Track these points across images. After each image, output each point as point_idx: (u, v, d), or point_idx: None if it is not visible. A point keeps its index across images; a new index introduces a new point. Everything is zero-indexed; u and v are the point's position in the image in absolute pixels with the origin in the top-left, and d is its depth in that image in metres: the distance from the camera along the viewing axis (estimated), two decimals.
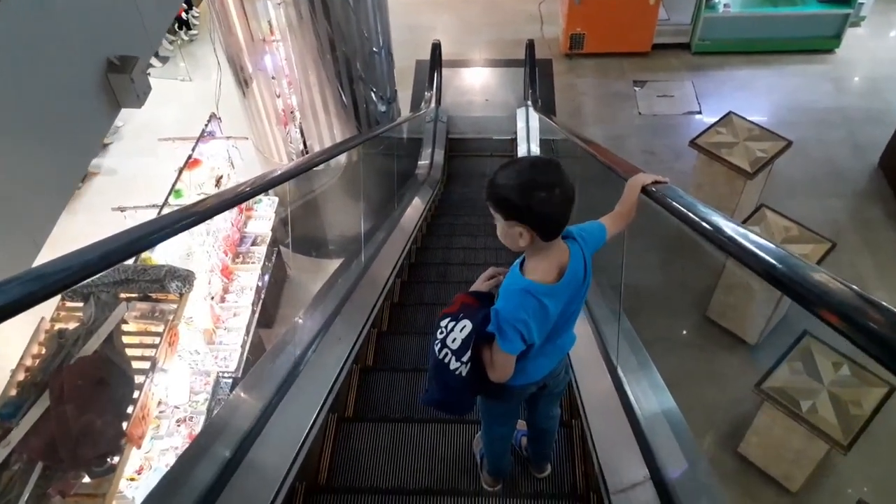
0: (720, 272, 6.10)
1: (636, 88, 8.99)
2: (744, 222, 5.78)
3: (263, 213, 5.98)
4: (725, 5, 9.01)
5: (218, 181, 5.34)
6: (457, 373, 1.72)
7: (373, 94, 6.21)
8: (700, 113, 8.56)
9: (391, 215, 5.12)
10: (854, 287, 0.96)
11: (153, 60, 9.67)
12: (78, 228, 6.50)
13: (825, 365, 4.64)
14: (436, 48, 7.81)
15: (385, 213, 5.58)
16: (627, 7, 8.78)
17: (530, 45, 8.34)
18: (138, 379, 3.78)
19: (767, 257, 1.22)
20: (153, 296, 4.13)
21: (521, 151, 7.33)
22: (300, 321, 2.99)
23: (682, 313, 6.28)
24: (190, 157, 5.06)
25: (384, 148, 6.54)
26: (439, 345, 1.74)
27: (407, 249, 4.60)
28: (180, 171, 4.98)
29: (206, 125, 5.31)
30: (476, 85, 9.35)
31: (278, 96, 5.87)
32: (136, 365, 3.88)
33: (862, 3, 9.02)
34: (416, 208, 5.66)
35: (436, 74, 7.99)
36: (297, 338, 2.80)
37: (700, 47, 9.26)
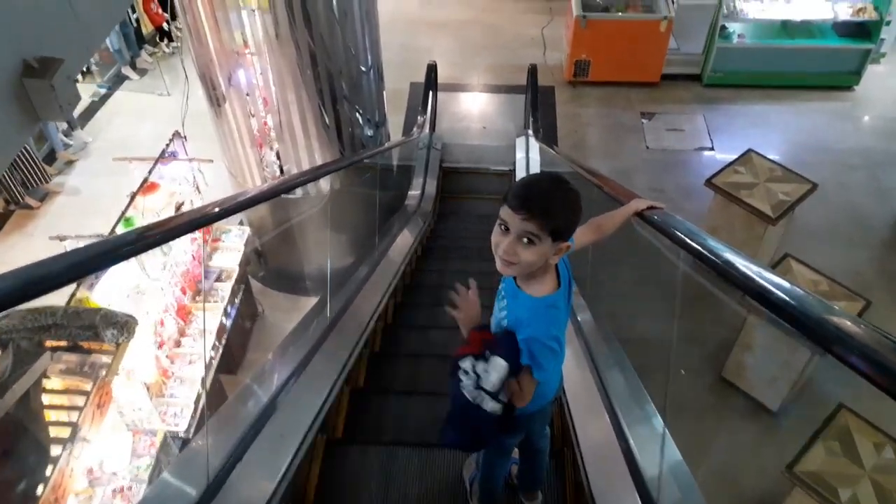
0: (737, 328, 5.54)
1: (644, 121, 8.48)
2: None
3: (231, 245, 5.38)
4: (739, 35, 8.56)
5: (178, 207, 4.74)
6: (492, 412, 1.62)
7: (359, 117, 5.64)
8: (712, 149, 8.05)
9: (371, 256, 4.51)
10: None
11: (130, 73, 9.13)
12: (25, 254, 5.88)
13: (866, 446, 4.04)
14: (431, 69, 7.28)
15: (370, 247, 4.99)
16: (636, 33, 8.30)
17: (532, 70, 7.83)
18: (54, 451, 3.15)
19: (779, 293, 1.15)
20: (84, 345, 3.51)
21: None
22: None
23: (694, 371, 5.68)
24: (146, 180, 4.45)
25: (371, 176, 5.97)
26: (471, 387, 1.61)
27: (384, 304, 3.97)
28: (133, 196, 4.38)
29: (168, 145, 4.72)
30: (473, 111, 8.82)
31: (252, 115, 5.29)
32: (55, 432, 3.26)
33: (883, 39, 8.57)
34: (399, 250, 5.06)
35: (430, 97, 7.44)
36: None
37: (712, 79, 8.78)
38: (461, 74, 9.26)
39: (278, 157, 5.64)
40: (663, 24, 8.19)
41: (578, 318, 3.31)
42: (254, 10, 4.66)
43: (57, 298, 3.86)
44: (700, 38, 8.67)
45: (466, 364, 1.62)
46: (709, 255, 1.55)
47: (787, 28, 8.58)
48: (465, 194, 7.32)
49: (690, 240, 1.79)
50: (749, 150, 6.28)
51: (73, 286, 3.84)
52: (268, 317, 6.22)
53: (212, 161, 4.82)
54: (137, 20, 9.07)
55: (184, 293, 4.75)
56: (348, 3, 4.99)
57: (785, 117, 8.50)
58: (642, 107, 8.63)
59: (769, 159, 6.17)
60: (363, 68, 5.62)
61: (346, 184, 5.81)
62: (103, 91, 8.94)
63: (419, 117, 6.90)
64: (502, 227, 1.54)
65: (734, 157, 7.10)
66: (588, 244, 1.98)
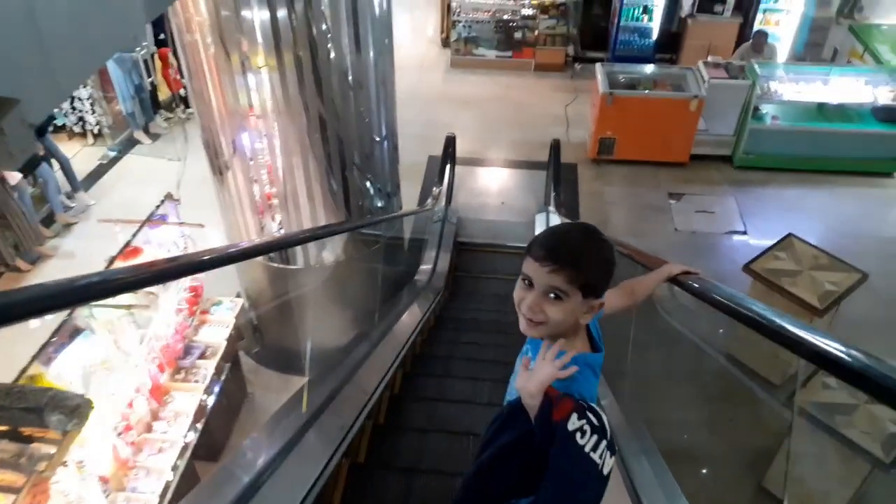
0: (779, 431, 4.94)
1: (671, 201, 8.08)
2: (813, 375, 4.67)
3: (221, 318, 4.94)
4: (774, 117, 8.23)
5: None
6: (609, 474, 1.31)
7: (369, 185, 5.28)
8: (745, 233, 7.58)
9: (369, 335, 4.04)
10: None
11: (142, 137, 8.98)
12: None
13: None
14: (450, 141, 6.99)
15: (370, 325, 4.53)
16: (665, 112, 8.01)
17: (555, 145, 7.51)
18: None
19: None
20: (25, 432, 3.04)
21: None
22: None
23: (732, 478, 5.04)
24: (127, 243, 4.07)
25: (379, 247, 5.58)
26: (598, 445, 1.28)
27: (377, 397, 3.46)
28: (111, 261, 3.98)
29: (158, 207, 4.36)
30: (492, 186, 8.49)
31: (255, 181, 4.94)
32: None
33: None
34: (403, 329, 4.58)
35: (447, 169, 7.11)
36: None
37: (743, 161, 8.41)
38: (481, 149, 9.00)
39: (280, 226, 5.27)
40: (693, 103, 7.90)
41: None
42: (260, 71, 4.38)
43: (7, 374, 3.42)
44: (729, 120, 8.36)
45: (575, 421, 1.29)
46: (755, 316, 1.56)
47: (823, 111, 8.25)
48: (480, 272, 6.87)
49: (732, 303, 1.82)
50: (789, 235, 5.81)
51: (25, 360, 3.39)
52: (258, 398, 5.70)
53: (202, 226, 4.45)
54: (154, 85, 8.99)
55: (161, 370, 4.28)
56: (363, 71, 4.71)
57: (822, 203, 8.05)
58: (670, 187, 8.25)
59: (812, 245, 5.69)
60: (377, 137, 5.31)
61: (352, 255, 5.42)
62: (113, 154, 8.77)
63: (434, 188, 6.56)
64: (526, 281, 1.39)
65: (768, 242, 6.64)
66: (620, 309, 1.87)
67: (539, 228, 6.85)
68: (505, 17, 10.61)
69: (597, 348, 1.52)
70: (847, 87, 8.08)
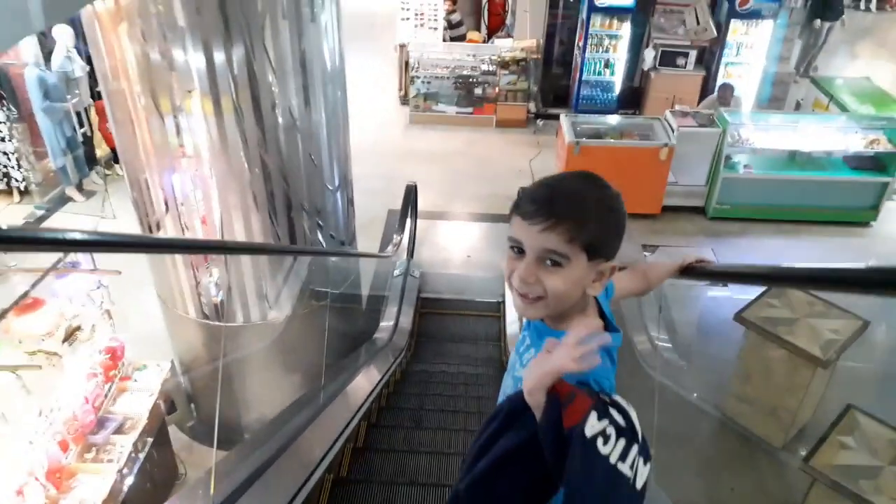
0: (790, 501, 4.41)
1: (646, 254, 7.66)
2: (829, 434, 4.16)
3: (145, 386, 4.22)
4: (746, 166, 7.98)
5: (71, 335, 3.63)
6: (644, 489, 0.98)
7: (318, 230, 4.70)
8: (725, 285, 7.16)
9: (314, 402, 3.40)
10: None
11: (74, 194, 8.30)
12: None
13: None
14: (410, 191, 6.51)
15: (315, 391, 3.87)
16: (634, 162, 7.69)
17: None
18: None
19: None
20: None
21: (512, 318, 5.77)
22: None
23: None
24: (25, 294, 3.39)
25: (329, 301, 4.97)
26: (628, 451, 0.95)
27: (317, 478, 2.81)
28: (2, 315, 3.29)
29: (66, 254, 3.70)
30: (457, 240, 7.99)
31: (186, 229, 4.32)
32: None
33: None
34: (356, 394, 3.94)
35: (409, 220, 6.59)
36: None
37: (718, 212, 8.11)
38: (444, 203, 8.55)
39: (217, 283, 4.63)
40: (664, 151, 7.62)
41: None
42: (193, 114, 3.82)
43: None
44: (699, 169, 8.09)
45: (594, 423, 0.97)
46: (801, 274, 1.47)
47: (795, 160, 8.05)
48: (446, 332, 6.27)
49: (765, 270, 1.78)
50: None
51: None
52: (192, 479, 4.91)
53: (119, 272, 3.79)
54: (90, 139, 8.38)
55: (64, 449, 3.54)
56: (313, 120, 4.24)
57: (801, 253, 7.73)
58: (643, 239, 7.85)
59: (806, 291, 5.26)
60: (329, 186, 4.77)
61: (301, 311, 4.79)
62: (40, 213, 8.05)
63: (395, 235, 6.01)
64: (515, 248, 1.15)
65: (748, 295, 6.32)
66: (633, 294, 1.75)
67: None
68: (464, 73, 10.38)
69: (611, 329, 1.24)
70: (817, 136, 7.90)
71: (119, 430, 3.91)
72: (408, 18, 10.83)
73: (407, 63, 10.68)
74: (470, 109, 10.55)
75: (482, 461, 1.09)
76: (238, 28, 3.57)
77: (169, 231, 4.36)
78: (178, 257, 4.44)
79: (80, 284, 3.76)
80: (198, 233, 4.31)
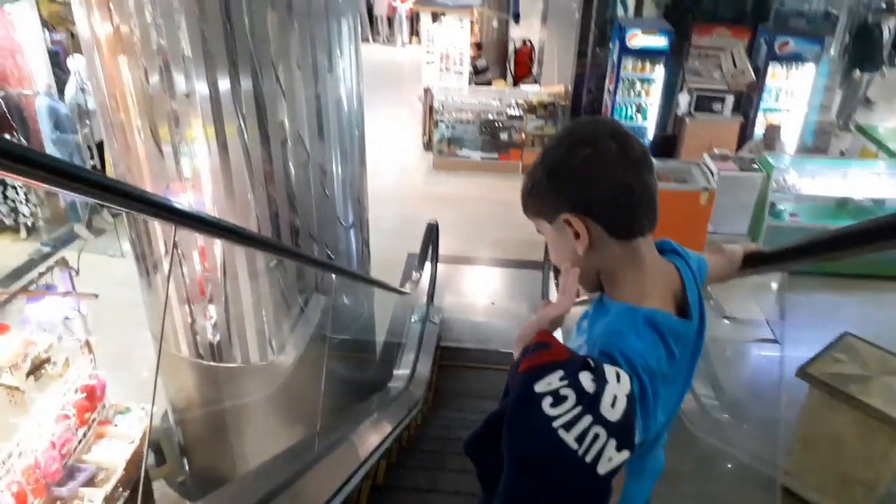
0: None
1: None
2: None
3: (124, 432, 3.73)
4: (792, 214, 7.47)
5: (40, 366, 3.17)
6: (610, 478, 0.87)
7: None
8: (776, 342, 6.56)
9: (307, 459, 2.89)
10: None
11: (83, 232, 7.98)
12: None
13: None
14: (431, 228, 6.06)
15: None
16: (672, 206, 7.18)
17: None
18: None
19: None
20: None
21: None
22: None
23: None
24: None
25: (343, 348, 4.49)
26: (578, 420, 0.87)
27: None
28: None
29: (41, 275, 3.28)
30: (480, 286, 7.51)
31: (184, 259, 3.87)
32: None
33: None
34: (360, 450, 3.42)
35: (429, 260, 6.13)
36: None
37: None
38: (467, 248, 8.11)
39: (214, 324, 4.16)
40: (704, 196, 7.15)
41: None
42: (194, 141, 3.47)
43: None
44: (740, 218, 7.61)
45: (552, 380, 0.89)
46: None
47: (845, 208, 7.52)
48: (468, 383, 5.72)
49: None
50: (846, 334, 4.81)
51: None
52: None
53: (96, 296, 3.36)
54: (100, 173, 8.11)
55: (20, 502, 3.03)
56: (326, 156, 3.90)
57: (858, 311, 7.11)
58: None
59: (877, 346, 4.69)
60: (343, 222, 4.37)
61: (307, 354, 4.31)
62: (46, 250, 7.72)
63: (413, 273, 5.54)
64: None
65: (803, 351, 5.78)
66: (724, 277, 1.69)
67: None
68: (490, 117, 10.08)
69: (686, 314, 1.16)
70: (868, 183, 7.40)
71: (90, 482, 3.40)
72: (433, 62, 10.62)
73: (431, 108, 10.43)
74: (495, 155, 10.20)
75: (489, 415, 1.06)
76: (246, 62, 3.28)
77: (165, 268, 3.95)
78: (173, 292, 4.00)
79: (54, 310, 3.32)
80: (195, 266, 3.89)
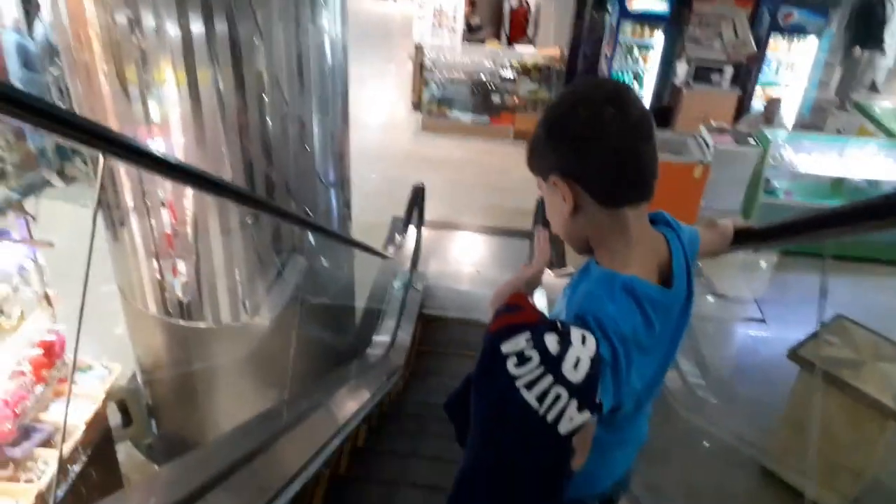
0: None
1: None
2: None
3: (86, 391, 3.54)
4: (787, 192, 7.33)
5: None
6: (571, 437, 0.92)
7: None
8: (763, 321, 6.48)
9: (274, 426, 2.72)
10: None
11: (54, 179, 7.68)
12: None
13: None
14: (418, 192, 5.85)
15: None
16: (664, 178, 6.85)
17: (543, 205, 6.42)
18: None
19: None
20: None
21: None
22: None
23: None
24: None
25: (318, 311, 4.31)
26: (539, 380, 0.91)
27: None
28: None
29: None
30: (466, 253, 7.33)
31: (149, 211, 3.63)
32: None
33: None
34: (334, 420, 3.26)
35: (414, 224, 5.93)
36: None
37: None
38: (453, 213, 7.90)
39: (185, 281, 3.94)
40: (698, 169, 6.98)
41: None
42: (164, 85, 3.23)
43: None
44: (734, 193, 7.45)
45: (519, 341, 0.93)
46: None
47: (840, 188, 7.39)
48: (449, 350, 5.56)
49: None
50: (839, 316, 4.70)
51: None
52: None
53: (52, 245, 3.14)
54: None
55: None
56: (305, 107, 3.65)
57: (848, 291, 6.99)
58: None
59: (870, 330, 4.58)
60: (323, 179, 4.14)
61: (283, 311, 4.12)
62: (15, 197, 7.38)
63: (397, 236, 5.35)
64: None
65: (792, 332, 5.69)
66: (715, 251, 1.64)
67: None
68: (482, 78, 9.79)
69: (666, 283, 1.15)
70: (864, 163, 7.26)
71: (47, 443, 3.22)
72: (424, 17, 10.27)
73: (422, 66, 10.11)
74: (486, 118, 9.95)
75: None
76: (221, 4, 3.04)
77: (135, 227, 3.72)
78: (140, 246, 3.78)
79: (7, 259, 3.10)
80: (164, 219, 3.67)
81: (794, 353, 4.37)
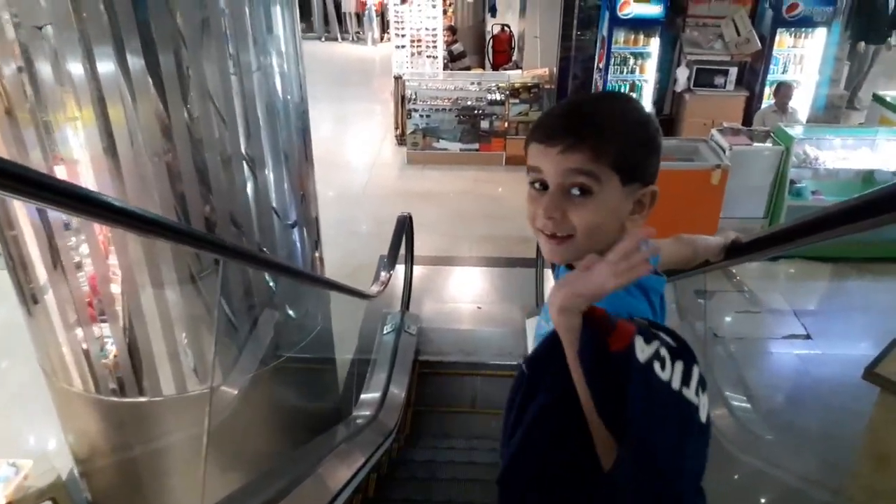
0: None
1: (700, 301, 6.23)
2: None
3: None
4: (814, 192, 6.63)
5: None
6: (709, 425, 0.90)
7: (268, 278, 3.32)
8: (808, 337, 5.71)
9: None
10: None
11: None
12: None
13: None
14: (403, 221, 5.14)
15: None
16: (679, 188, 6.30)
17: None
18: None
19: None
20: None
21: None
22: None
23: None
24: None
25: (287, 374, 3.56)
26: (690, 374, 0.88)
27: None
28: None
29: None
30: (465, 289, 6.59)
31: (79, 268, 2.94)
32: None
33: None
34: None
35: (404, 266, 5.22)
36: None
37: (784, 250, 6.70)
38: (448, 247, 7.20)
39: (125, 332, 3.21)
40: (716, 174, 6.30)
41: None
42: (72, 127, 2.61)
43: None
44: (756, 199, 6.77)
45: (651, 345, 0.87)
46: None
47: (871, 182, 6.69)
48: (452, 405, 4.78)
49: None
50: None
51: None
52: None
53: None
54: None
55: None
56: (257, 145, 3.02)
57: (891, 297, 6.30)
58: (693, 283, 6.43)
59: None
60: (288, 220, 3.45)
61: (247, 378, 3.38)
62: None
63: (382, 273, 4.63)
64: (536, 183, 1.02)
65: (842, 349, 5.04)
66: (679, 264, 1.64)
67: (532, 337, 4.90)
68: (468, 103, 9.19)
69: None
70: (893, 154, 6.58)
71: None
72: (404, 46, 9.74)
73: (403, 97, 9.53)
74: (476, 146, 9.32)
75: (518, 431, 1.00)
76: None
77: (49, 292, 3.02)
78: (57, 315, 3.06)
79: None
80: (83, 282, 2.97)
81: (872, 372, 3.60)
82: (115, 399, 3.21)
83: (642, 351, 0.85)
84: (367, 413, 3.96)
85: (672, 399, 0.84)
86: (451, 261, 6.95)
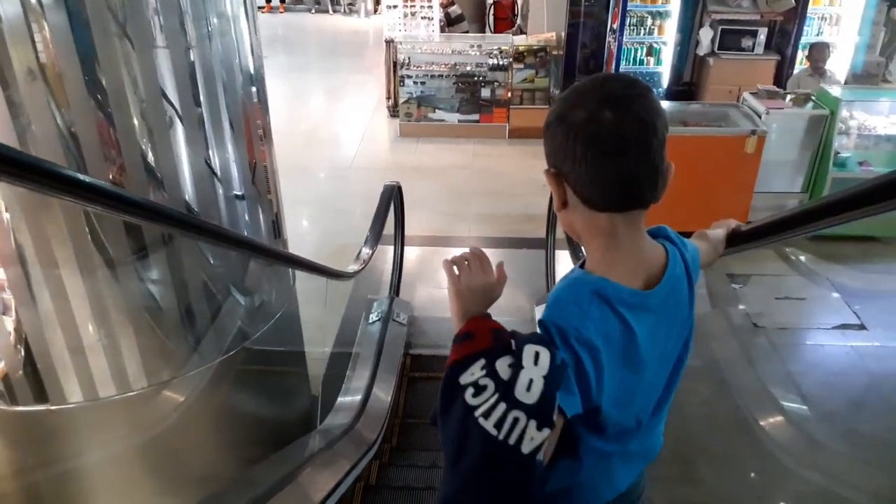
0: None
1: (735, 286, 5.54)
2: None
3: None
4: (862, 163, 5.90)
5: None
6: (535, 454, 0.94)
7: (210, 256, 2.60)
8: (863, 328, 5.00)
9: None
10: None
11: None
12: None
13: None
14: (390, 192, 4.41)
15: None
16: (709, 157, 5.60)
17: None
18: None
19: None
20: None
21: None
22: None
23: None
24: None
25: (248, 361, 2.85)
26: (490, 404, 0.95)
27: None
28: None
29: None
30: None
31: None
32: None
33: None
34: None
35: (395, 237, 4.49)
36: None
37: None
38: (446, 226, 6.48)
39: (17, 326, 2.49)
40: (751, 142, 5.57)
41: None
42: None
43: None
44: (794, 170, 6.05)
45: (475, 369, 0.98)
46: None
47: None
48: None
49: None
50: None
51: None
52: None
53: None
54: None
55: None
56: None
57: None
58: (727, 267, 5.72)
59: None
60: (232, 192, 2.72)
61: (185, 378, 2.66)
62: None
63: (364, 249, 3.91)
64: None
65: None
66: (707, 261, 1.49)
67: None
68: (468, 69, 8.43)
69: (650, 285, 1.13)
70: None
71: None
72: (395, 6, 8.96)
73: (395, 65, 8.77)
74: (476, 117, 8.57)
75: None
76: None
77: None
78: None
79: None
80: None
81: None
82: (15, 408, 2.49)
83: (470, 375, 0.96)
84: (343, 422, 3.24)
85: (463, 419, 0.93)
86: (447, 241, 6.22)
